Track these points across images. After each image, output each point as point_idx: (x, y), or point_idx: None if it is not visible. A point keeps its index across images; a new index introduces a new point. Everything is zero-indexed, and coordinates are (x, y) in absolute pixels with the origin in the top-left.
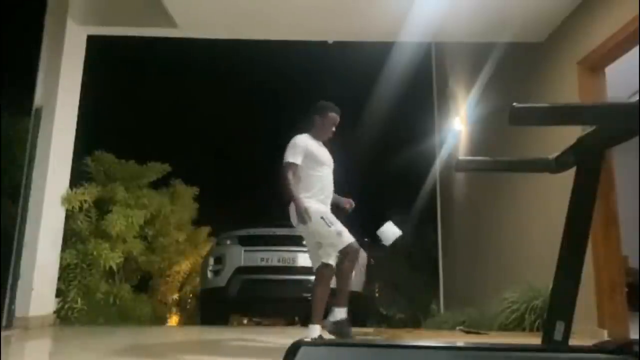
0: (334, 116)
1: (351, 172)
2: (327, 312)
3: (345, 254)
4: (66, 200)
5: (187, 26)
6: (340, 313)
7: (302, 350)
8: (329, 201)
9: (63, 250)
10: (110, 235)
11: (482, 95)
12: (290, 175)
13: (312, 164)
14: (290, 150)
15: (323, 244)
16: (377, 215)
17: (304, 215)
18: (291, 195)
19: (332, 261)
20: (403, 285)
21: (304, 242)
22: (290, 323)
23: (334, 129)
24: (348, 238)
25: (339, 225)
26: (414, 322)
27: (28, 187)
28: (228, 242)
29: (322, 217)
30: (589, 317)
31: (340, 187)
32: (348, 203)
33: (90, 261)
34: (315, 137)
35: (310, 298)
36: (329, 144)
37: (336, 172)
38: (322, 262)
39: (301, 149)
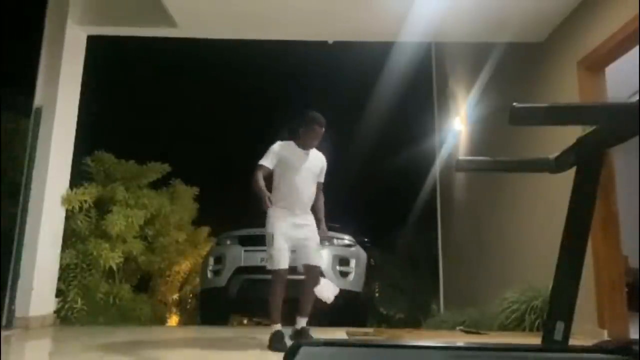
0: (318, 129)
1: (351, 172)
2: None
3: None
4: (66, 200)
5: (187, 26)
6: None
7: (302, 350)
8: (297, 207)
9: (63, 250)
10: (110, 235)
11: (482, 95)
12: (258, 175)
13: (283, 170)
14: (265, 154)
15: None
16: (376, 215)
17: (265, 200)
18: (258, 188)
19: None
20: (403, 285)
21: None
22: (291, 323)
23: (316, 142)
24: (274, 265)
25: (276, 249)
26: (414, 322)
27: (28, 187)
28: (228, 242)
29: (270, 234)
30: (589, 317)
31: (341, 186)
32: (322, 233)
33: (90, 261)
34: (299, 145)
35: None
36: (323, 148)
37: (336, 173)
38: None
39: (275, 155)
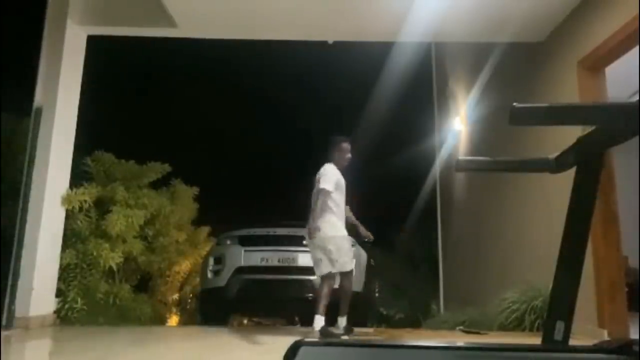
0: (346, 145)
1: (351, 172)
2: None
3: (343, 276)
4: (66, 200)
5: (187, 26)
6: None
7: (302, 350)
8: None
9: (63, 250)
10: (110, 235)
11: (482, 95)
12: (321, 200)
13: (336, 191)
14: (324, 177)
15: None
16: (376, 215)
17: (313, 232)
18: (314, 216)
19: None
20: (403, 285)
21: (305, 243)
22: (290, 323)
23: (349, 155)
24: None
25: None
26: (414, 322)
27: (28, 187)
28: (228, 242)
29: (349, 241)
30: (589, 317)
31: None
32: (366, 236)
33: (90, 261)
34: (337, 166)
35: (310, 298)
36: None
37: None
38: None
39: (334, 178)
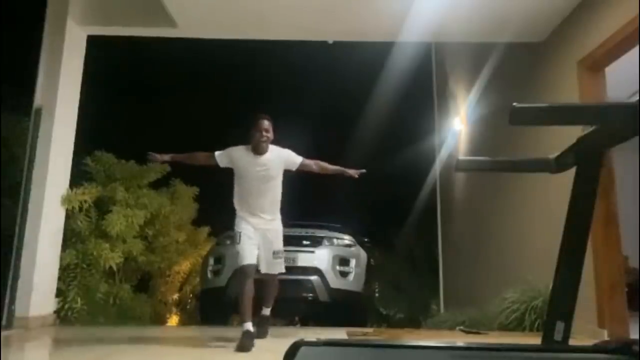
0: (261, 122)
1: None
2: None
3: (237, 273)
4: (66, 200)
5: (187, 26)
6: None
7: (302, 350)
8: (260, 212)
9: (63, 250)
10: (110, 235)
11: (482, 95)
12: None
13: (237, 177)
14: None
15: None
16: (377, 215)
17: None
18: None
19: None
20: (403, 285)
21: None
22: (290, 323)
23: (263, 133)
24: (242, 260)
25: (244, 246)
26: (414, 322)
27: (28, 187)
28: (228, 242)
29: (238, 233)
30: (589, 317)
31: (341, 187)
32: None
33: (90, 261)
34: (252, 150)
35: (310, 298)
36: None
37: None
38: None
39: (228, 155)
